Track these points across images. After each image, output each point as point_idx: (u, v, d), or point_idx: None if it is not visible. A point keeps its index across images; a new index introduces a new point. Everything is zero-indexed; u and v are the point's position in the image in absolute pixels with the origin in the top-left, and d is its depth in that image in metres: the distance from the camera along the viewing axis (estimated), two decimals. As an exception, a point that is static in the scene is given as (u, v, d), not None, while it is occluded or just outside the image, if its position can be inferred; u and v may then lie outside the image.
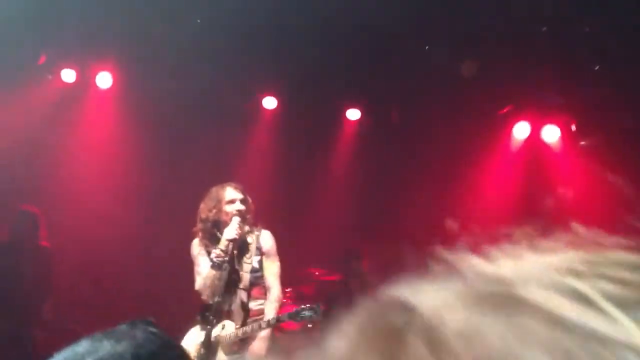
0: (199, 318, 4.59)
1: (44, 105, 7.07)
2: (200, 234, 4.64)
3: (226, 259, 4.40)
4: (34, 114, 6.93)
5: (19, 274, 5.66)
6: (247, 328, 4.45)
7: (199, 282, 4.59)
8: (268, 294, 4.64)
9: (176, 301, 5.10)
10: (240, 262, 4.61)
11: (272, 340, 4.51)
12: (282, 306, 4.72)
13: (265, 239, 4.69)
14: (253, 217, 4.69)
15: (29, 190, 6.62)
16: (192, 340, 4.53)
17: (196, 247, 4.68)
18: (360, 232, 7.31)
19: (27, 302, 5.68)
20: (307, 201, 7.53)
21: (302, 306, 4.46)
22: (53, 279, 5.93)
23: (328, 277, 7.00)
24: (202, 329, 4.48)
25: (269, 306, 4.58)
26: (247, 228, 4.62)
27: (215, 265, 4.48)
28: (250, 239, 4.66)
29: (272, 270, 4.67)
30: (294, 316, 4.42)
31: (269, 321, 4.46)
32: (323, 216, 7.50)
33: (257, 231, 4.69)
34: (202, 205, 4.63)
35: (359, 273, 6.34)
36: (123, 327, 1.12)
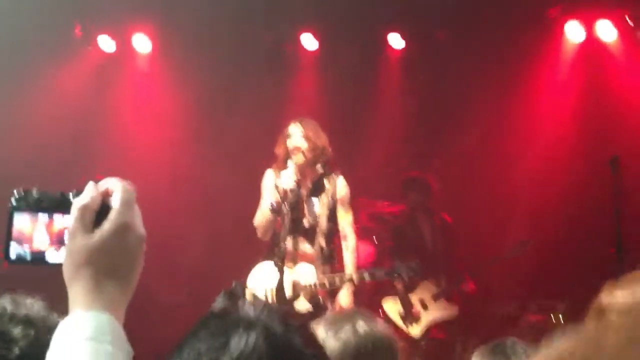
0: (268, 255, 4.53)
1: (89, 77, 7.12)
2: (274, 166, 4.59)
3: (284, 205, 4.34)
4: (80, 87, 6.98)
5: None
6: (336, 279, 4.39)
7: (257, 218, 4.55)
8: (344, 243, 4.59)
9: (245, 249, 5.10)
10: (315, 205, 4.55)
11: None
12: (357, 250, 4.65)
13: (341, 186, 4.60)
14: (330, 159, 4.60)
15: (90, 162, 6.71)
16: (264, 280, 4.47)
17: (266, 178, 4.63)
18: (419, 160, 7.18)
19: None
20: (362, 136, 7.39)
21: (400, 264, 4.38)
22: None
23: (391, 209, 6.93)
24: (272, 270, 4.40)
25: (348, 256, 4.52)
26: (319, 168, 4.53)
27: (273, 209, 4.44)
28: (327, 182, 4.58)
29: (346, 220, 4.60)
30: (390, 273, 4.35)
31: (361, 275, 4.40)
32: (380, 151, 7.36)
33: (335, 175, 4.60)
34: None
35: (423, 201, 6.22)
36: (247, 313, 0.96)
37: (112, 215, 1.00)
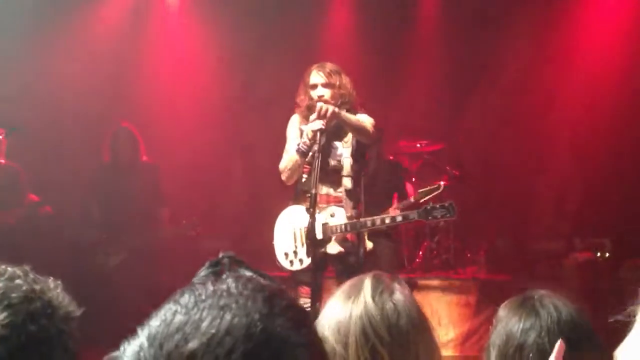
0: (297, 199, 4.49)
1: (119, 20, 7.05)
2: (297, 112, 4.52)
3: (314, 147, 4.25)
4: (110, 30, 6.93)
5: (127, 190, 5.86)
6: (368, 222, 4.32)
7: (282, 162, 4.48)
8: None
9: (281, 195, 5.05)
10: (337, 148, 4.43)
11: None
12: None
13: (362, 118, 4.44)
14: (354, 102, 4.44)
15: (122, 108, 6.72)
16: (293, 223, 4.43)
17: (291, 124, 4.55)
18: (459, 98, 6.96)
19: (143, 215, 5.90)
20: (399, 77, 7.20)
21: (434, 205, 4.25)
22: (162, 191, 6.10)
23: (430, 148, 6.80)
24: (301, 213, 4.32)
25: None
26: (344, 112, 4.41)
27: (299, 151, 4.37)
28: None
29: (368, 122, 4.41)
30: (424, 215, 4.23)
31: (394, 218, 4.34)
32: (418, 91, 7.16)
33: (359, 114, 4.45)
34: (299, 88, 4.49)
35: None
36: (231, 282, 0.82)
37: None
